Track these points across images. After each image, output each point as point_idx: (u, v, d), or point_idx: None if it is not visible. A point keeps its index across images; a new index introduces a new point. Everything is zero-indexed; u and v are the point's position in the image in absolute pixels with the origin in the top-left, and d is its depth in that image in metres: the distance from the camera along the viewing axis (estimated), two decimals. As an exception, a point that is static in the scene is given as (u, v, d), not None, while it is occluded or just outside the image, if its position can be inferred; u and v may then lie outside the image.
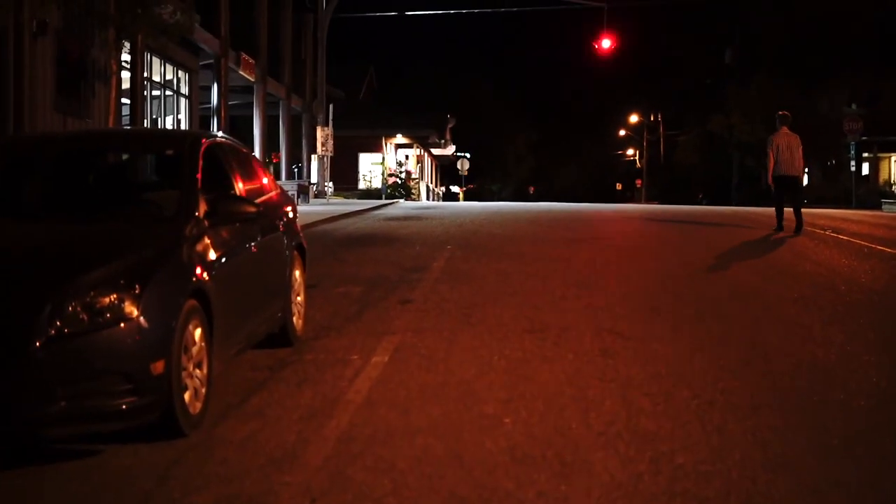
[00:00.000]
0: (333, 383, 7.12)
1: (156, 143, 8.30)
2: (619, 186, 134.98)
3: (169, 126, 28.32)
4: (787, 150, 19.02)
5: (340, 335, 8.88)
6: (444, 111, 70.25)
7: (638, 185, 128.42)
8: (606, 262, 14.37)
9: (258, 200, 7.77)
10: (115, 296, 5.37)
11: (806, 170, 17.22)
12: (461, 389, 6.92)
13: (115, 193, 7.28)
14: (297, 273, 8.65)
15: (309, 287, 9.45)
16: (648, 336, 8.76)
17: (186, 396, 5.77)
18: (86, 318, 5.26)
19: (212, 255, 6.42)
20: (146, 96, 24.84)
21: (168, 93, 28.39)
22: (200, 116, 30.82)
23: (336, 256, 15.21)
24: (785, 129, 19.23)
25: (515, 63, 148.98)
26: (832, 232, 19.49)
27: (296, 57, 40.96)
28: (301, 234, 9.03)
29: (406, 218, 25.69)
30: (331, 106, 37.65)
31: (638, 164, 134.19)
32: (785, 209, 19.64)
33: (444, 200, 78.30)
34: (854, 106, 41.10)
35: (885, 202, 37.13)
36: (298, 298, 8.63)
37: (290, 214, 8.86)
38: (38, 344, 5.13)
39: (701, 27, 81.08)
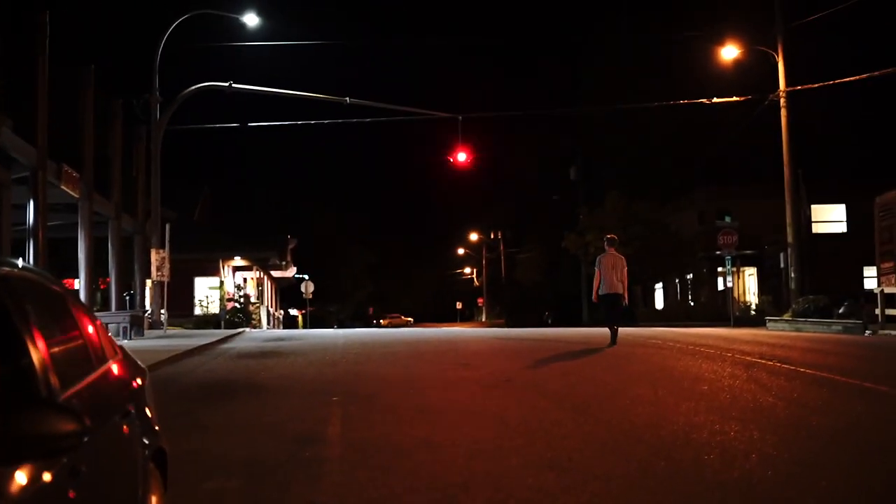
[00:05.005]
0: None
1: None
2: (459, 305, 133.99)
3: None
4: (611, 269, 20.46)
5: None
6: (285, 232, 67.18)
7: (480, 304, 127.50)
8: (554, 421, 10.84)
9: (85, 383, 4.09)
10: None
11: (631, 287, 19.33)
12: None
13: None
14: (155, 500, 4.92)
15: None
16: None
17: None
18: None
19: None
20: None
21: (-28, 212, 23.94)
22: (13, 239, 26.37)
23: (191, 419, 11.34)
24: (612, 251, 20.84)
25: (355, 182, 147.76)
26: (778, 362, 16.61)
27: (126, 172, 36.81)
28: (158, 430, 5.27)
29: (262, 354, 21.81)
30: (167, 226, 33.52)
31: (476, 283, 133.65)
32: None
33: (284, 325, 74.19)
34: (728, 218, 39.37)
35: (770, 320, 34.90)
36: (158, 546, 4.89)
37: (140, 398, 5.13)
38: None
39: (545, 146, 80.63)
